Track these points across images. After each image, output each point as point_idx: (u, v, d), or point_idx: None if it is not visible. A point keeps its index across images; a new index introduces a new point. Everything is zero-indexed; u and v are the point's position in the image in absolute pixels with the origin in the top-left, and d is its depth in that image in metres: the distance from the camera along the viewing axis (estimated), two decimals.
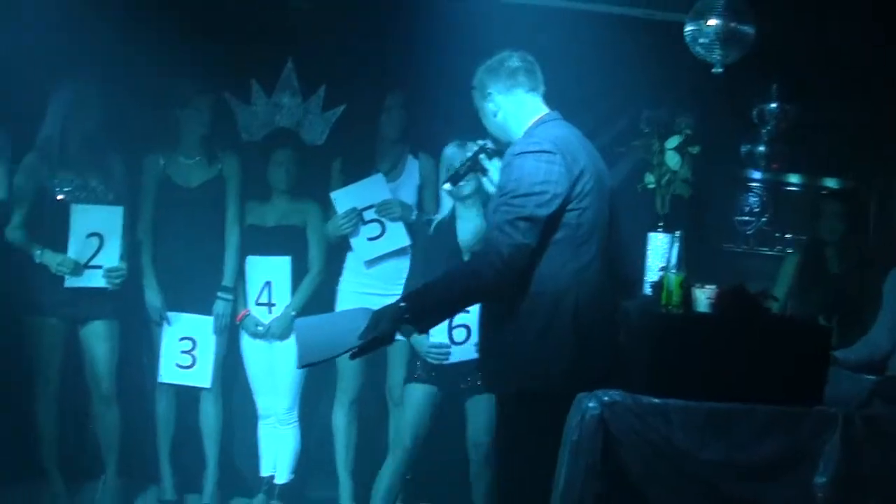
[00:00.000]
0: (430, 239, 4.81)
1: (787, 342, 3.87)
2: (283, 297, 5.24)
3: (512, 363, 3.74)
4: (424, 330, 3.93)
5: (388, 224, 5.13)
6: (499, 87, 3.86)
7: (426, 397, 4.85)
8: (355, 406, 5.30)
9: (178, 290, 5.21)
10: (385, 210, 5.09)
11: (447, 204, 4.78)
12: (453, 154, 4.61)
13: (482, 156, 3.95)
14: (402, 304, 3.60)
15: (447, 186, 4.14)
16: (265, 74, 5.59)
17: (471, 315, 4.41)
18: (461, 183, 4.12)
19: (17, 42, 4.98)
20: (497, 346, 3.79)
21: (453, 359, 4.72)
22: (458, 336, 4.70)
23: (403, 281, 4.99)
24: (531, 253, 3.63)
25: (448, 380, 4.82)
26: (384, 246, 5.14)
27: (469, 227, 4.56)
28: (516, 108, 3.86)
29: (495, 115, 3.87)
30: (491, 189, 3.94)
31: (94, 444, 5.34)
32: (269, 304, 5.24)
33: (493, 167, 3.95)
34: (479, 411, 4.79)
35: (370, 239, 5.15)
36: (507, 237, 3.59)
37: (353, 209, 5.10)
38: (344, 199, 5.13)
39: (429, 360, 4.76)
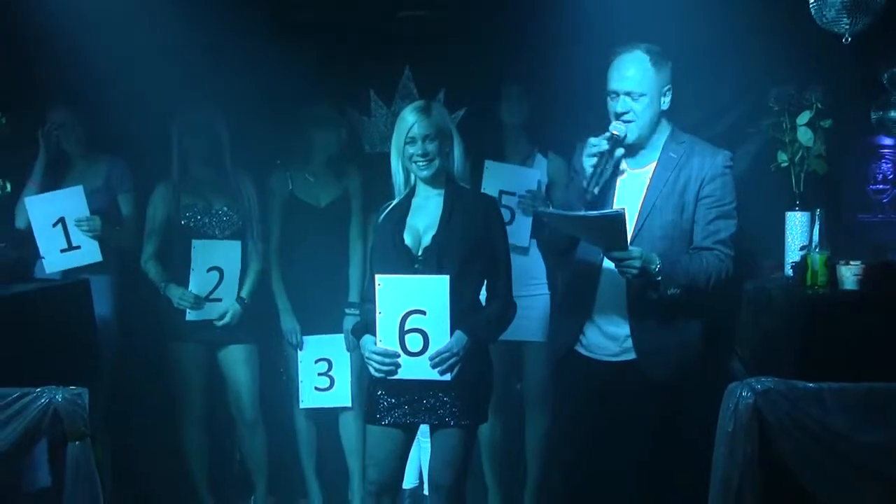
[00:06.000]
0: None
1: None
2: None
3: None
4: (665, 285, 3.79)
5: (519, 216, 5.05)
6: (669, 85, 3.92)
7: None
8: (497, 410, 5.10)
9: (310, 311, 5.21)
10: (530, 200, 5.01)
11: None
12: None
13: (618, 149, 3.86)
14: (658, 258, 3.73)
15: (591, 188, 3.81)
16: (383, 85, 5.60)
17: (428, 319, 3.84)
18: (598, 185, 3.84)
19: (139, 72, 5.11)
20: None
21: (404, 374, 3.90)
22: (412, 344, 3.89)
23: (532, 283, 5.03)
24: None
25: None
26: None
27: None
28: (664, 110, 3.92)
29: (658, 109, 3.90)
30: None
31: (242, 464, 5.43)
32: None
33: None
34: (444, 447, 4.02)
35: None
36: (731, 250, 3.86)
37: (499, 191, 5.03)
38: (494, 172, 5.05)
39: (371, 369, 3.96)
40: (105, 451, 5.02)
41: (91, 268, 5.05)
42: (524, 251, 5.04)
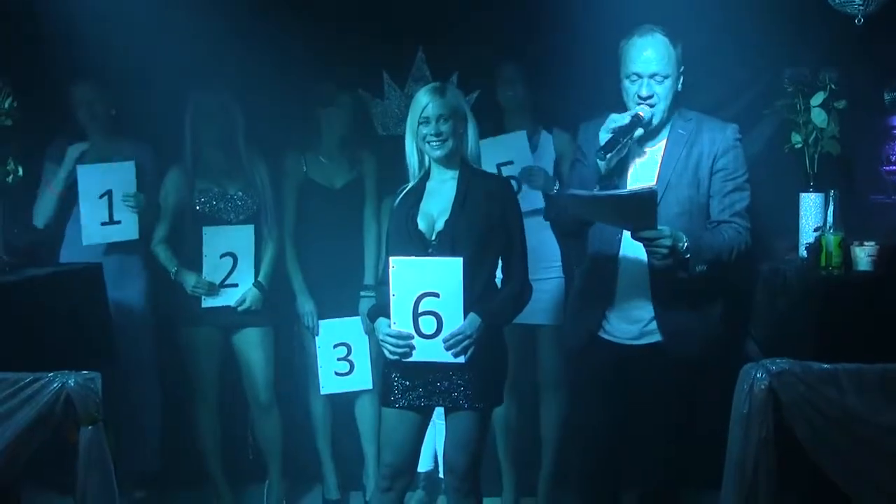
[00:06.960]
0: None
1: None
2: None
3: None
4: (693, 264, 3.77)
5: (527, 190, 4.98)
6: (682, 66, 3.91)
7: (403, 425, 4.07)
8: (511, 393, 5.09)
9: (325, 294, 5.20)
10: (528, 176, 4.96)
11: None
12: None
13: (638, 130, 3.82)
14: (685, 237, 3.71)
15: (601, 155, 3.75)
16: (396, 67, 5.58)
17: (441, 301, 3.84)
18: (611, 154, 3.76)
19: (158, 57, 5.09)
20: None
21: (418, 357, 3.89)
22: (426, 327, 3.88)
23: (547, 266, 5.03)
24: None
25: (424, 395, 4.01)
26: None
27: None
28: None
29: (676, 90, 3.88)
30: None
31: (257, 448, 5.42)
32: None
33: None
34: (459, 429, 4.03)
35: None
36: (748, 222, 3.86)
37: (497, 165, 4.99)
38: (485, 150, 4.91)
39: (385, 352, 3.95)
40: (161, 429, 5.33)
41: (124, 248, 5.12)
42: (540, 212, 4.94)
